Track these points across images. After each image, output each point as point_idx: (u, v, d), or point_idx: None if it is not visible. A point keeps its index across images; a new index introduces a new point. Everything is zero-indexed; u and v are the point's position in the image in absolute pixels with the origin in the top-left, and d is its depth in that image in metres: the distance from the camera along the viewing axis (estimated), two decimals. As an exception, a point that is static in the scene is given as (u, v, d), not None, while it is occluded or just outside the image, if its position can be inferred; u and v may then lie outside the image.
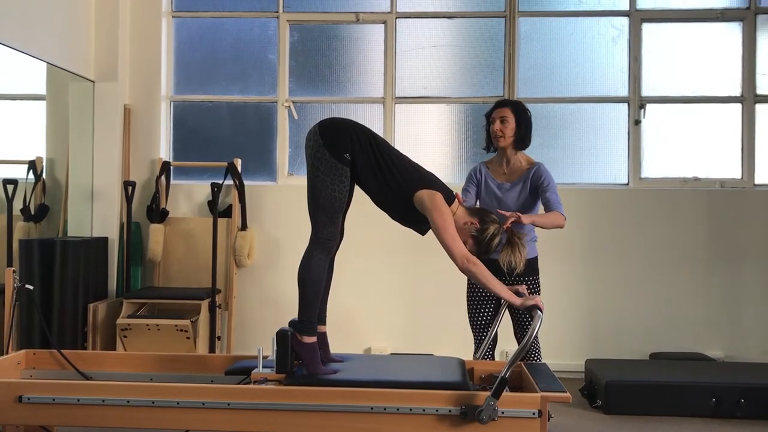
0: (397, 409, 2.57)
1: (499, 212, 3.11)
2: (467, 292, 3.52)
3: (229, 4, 5.39)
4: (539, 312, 2.57)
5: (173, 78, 5.43)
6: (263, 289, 5.18)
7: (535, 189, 3.41)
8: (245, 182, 5.13)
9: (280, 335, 2.72)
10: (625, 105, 5.22)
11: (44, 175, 5.16)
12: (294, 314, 2.81)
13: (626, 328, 5.07)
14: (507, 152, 3.47)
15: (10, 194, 4.95)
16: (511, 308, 3.42)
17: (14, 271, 3.63)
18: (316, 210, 2.75)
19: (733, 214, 5.06)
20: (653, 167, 5.22)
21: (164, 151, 5.35)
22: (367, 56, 5.35)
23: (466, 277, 3.20)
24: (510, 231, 2.83)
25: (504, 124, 3.42)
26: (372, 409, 2.58)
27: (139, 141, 5.26)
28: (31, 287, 3.57)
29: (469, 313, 3.51)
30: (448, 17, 5.31)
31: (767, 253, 5.04)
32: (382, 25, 5.32)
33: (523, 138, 3.45)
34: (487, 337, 3.23)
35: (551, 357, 4.79)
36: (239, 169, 5.10)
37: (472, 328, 3.51)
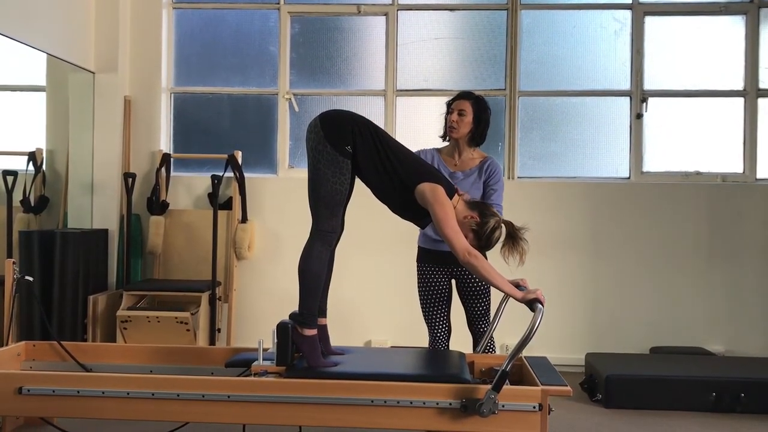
0: (398, 402, 2.57)
1: None
2: (418, 286, 3.47)
3: (229, -5, 5.38)
4: (540, 306, 2.56)
5: (174, 69, 5.41)
6: (263, 281, 5.17)
7: (485, 183, 3.37)
8: (246, 174, 5.12)
9: (281, 328, 2.72)
10: (627, 98, 5.21)
11: (44, 167, 5.14)
12: (294, 307, 2.80)
13: (626, 322, 5.06)
14: (459, 145, 3.42)
15: (9, 185, 4.94)
16: (463, 297, 3.41)
17: (14, 263, 3.63)
18: (316, 202, 2.74)
19: (734, 209, 5.05)
20: (655, 161, 5.20)
21: (164, 142, 5.33)
22: (368, 48, 5.33)
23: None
24: (510, 224, 2.81)
25: (461, 116, 3.37)
26: (372, 402, 2.58)
27: (140, 133, 5.25)
28: (30, 279, 3.57)
29: (422, 307, 3.46)
30: (450, 9, 5.29)
31: (768, 247, 5.04)
32: (384, 17, 5.30)
33: (478, 135, 3.40)
34: (488, 331, 3.22)
35: (552, 351, 4.80)
36: (240, 161, 5.09)
37: (426, 322, 3.46)
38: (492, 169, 3.38)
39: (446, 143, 3.52)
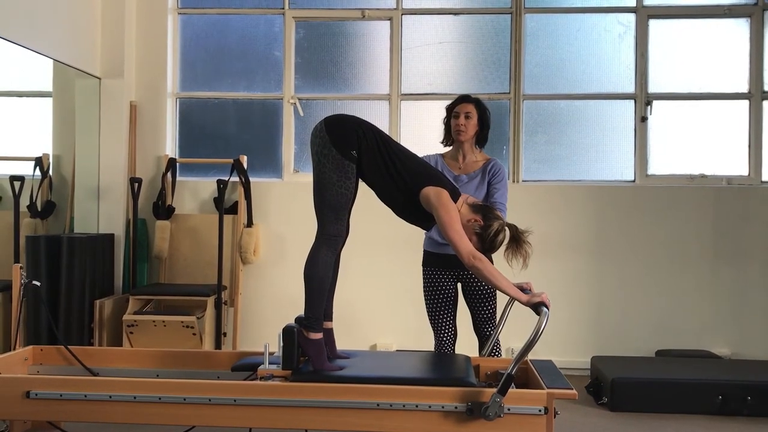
0: (403, 406, 2.57)
1: None
2: (424, 290, 3.47)
3: (234, 0, 5.39)
4: (545, 309, 2.56)
5: (179, 75, 5.43)
6: (269, 285, 5.18)
7: (488, 183, 3.40)
8: (251, 179, 5.13)
9: (287, 331, 2.72)
10: (632, 102, 5.21)
11: (51, 172, 5.17)
12: (300, 310, 2.81)
13: (632, 325, 5.06)
14: (464, 147, 3.45)
15: (17, 191, 4.96)
16: (469, 300, 3.41)
17: (21, 268, 3.65)
18: (322, 206, 2.75)
19: (739, 211, 5.04)
20: (660, 164, 5.20)
21: (170, 147, 5.35)
22: (372, 53, 5.35)
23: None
24: (514, 228, 2.81)
25: (468, 119, 3.41)
26: (378, 405, 2.58)
27: (145, 138, 5.27)
28: (38, 283, 3.58)
29: (428, 310, 3.47)
30: (454, 14, 5.30)
31: (774, 250, 5.03)
32: (388, 22, 5.31)
33: (483, 136, 3.46)
34: (494, 335, 3.23)
35: (557, 354, 4.79)
36: (245, 165, 5.10)
37: (432, 326, 3.46)
38: (495, 169, 3.40)
39: (448, 148, 3.53)
